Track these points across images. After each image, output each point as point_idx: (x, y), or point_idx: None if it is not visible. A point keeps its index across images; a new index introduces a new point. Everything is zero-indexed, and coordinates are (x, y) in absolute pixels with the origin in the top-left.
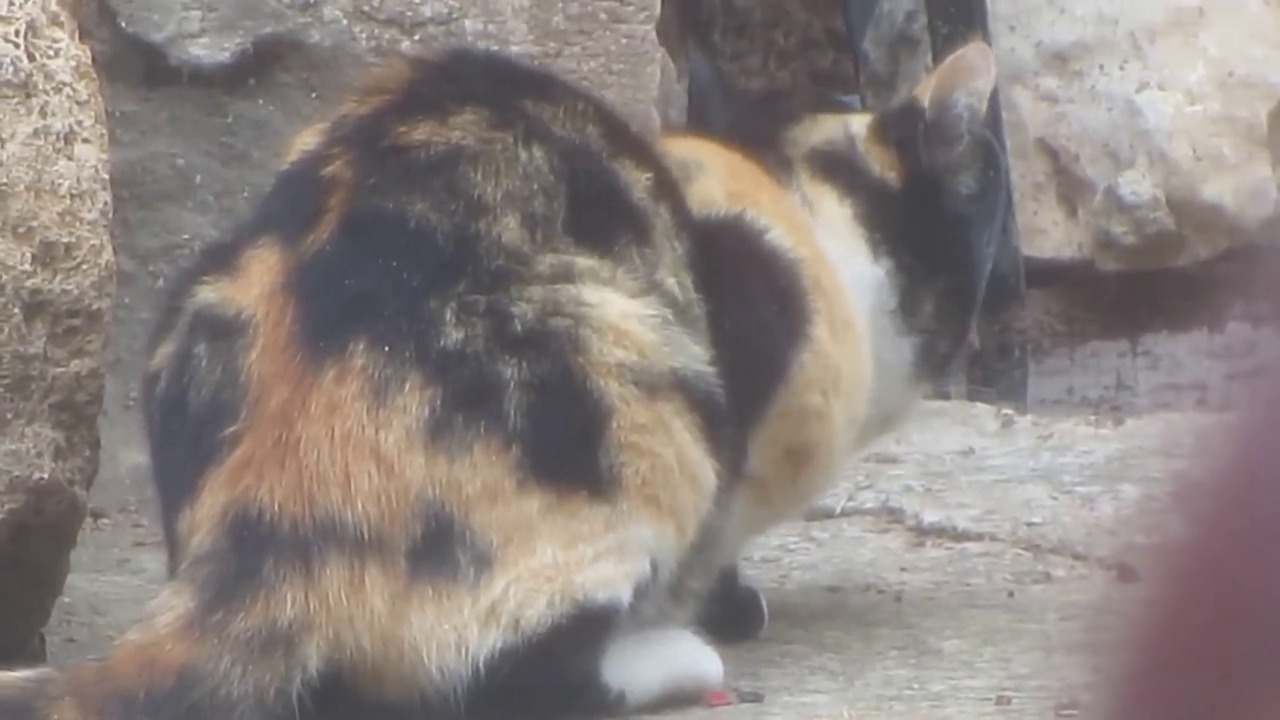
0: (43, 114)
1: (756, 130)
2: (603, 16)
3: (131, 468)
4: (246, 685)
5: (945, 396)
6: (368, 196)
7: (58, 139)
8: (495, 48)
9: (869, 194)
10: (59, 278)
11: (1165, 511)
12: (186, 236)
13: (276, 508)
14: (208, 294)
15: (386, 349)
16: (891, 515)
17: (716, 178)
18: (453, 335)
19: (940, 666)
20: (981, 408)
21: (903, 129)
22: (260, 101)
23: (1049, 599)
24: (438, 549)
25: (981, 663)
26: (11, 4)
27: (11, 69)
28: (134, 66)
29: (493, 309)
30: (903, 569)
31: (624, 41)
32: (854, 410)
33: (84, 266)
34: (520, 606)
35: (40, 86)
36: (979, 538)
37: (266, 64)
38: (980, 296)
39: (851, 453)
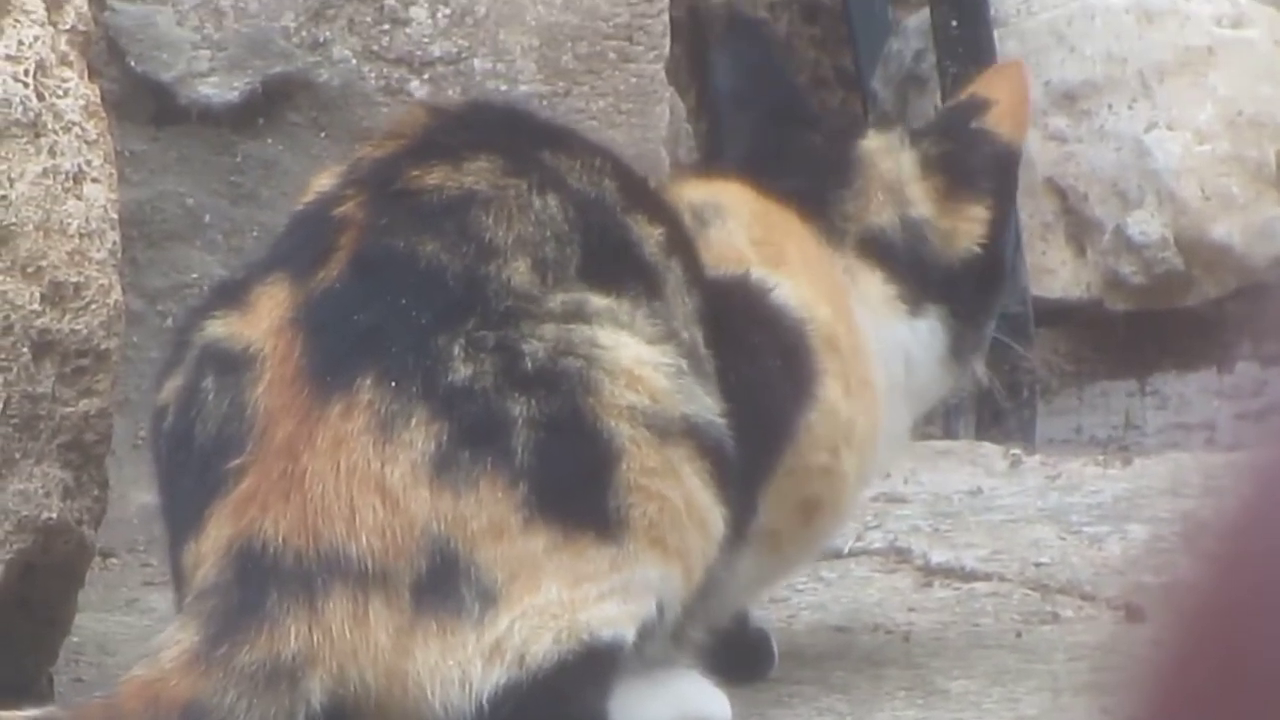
0: (52, 153)
1: (803, 185)
2: (612, 56)
3: (140, 507)
4: (252, 719)
5: (953, 436)
6: (379, 236)
7: (67, 178)
8: (505, 88)
9: (925, 270)
10: (68, 317)
11: (1174, 552)
12: (195, 276)
13: (281, 540)
14: (216, 328)
15: (393, 384)
16: (899, 555)
17: (740, 223)
18: (461, 371)
19: (948, 707)
20: (990, 447)
21: (982, 176)
22: (269, 141)
23: (1057, 639)
24: (442, 584)
25: (990, 703)
26: (21, 43)
27: (21, 108)
28: (143, 106)
29: (503, 345)
30: (910, 609)
31: (633, 81)
32: (866, 464)
33: (93, 306)
34: (525, 643)
35: (49, 126)
36: (987, 578)
37: (275, 103)
38: (1006, 280)
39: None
